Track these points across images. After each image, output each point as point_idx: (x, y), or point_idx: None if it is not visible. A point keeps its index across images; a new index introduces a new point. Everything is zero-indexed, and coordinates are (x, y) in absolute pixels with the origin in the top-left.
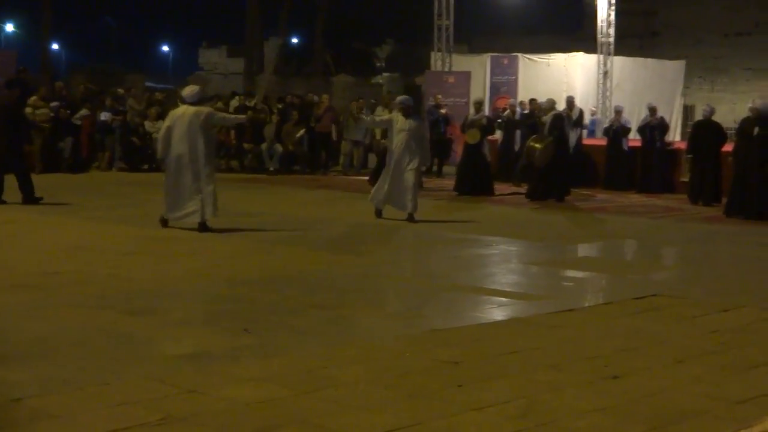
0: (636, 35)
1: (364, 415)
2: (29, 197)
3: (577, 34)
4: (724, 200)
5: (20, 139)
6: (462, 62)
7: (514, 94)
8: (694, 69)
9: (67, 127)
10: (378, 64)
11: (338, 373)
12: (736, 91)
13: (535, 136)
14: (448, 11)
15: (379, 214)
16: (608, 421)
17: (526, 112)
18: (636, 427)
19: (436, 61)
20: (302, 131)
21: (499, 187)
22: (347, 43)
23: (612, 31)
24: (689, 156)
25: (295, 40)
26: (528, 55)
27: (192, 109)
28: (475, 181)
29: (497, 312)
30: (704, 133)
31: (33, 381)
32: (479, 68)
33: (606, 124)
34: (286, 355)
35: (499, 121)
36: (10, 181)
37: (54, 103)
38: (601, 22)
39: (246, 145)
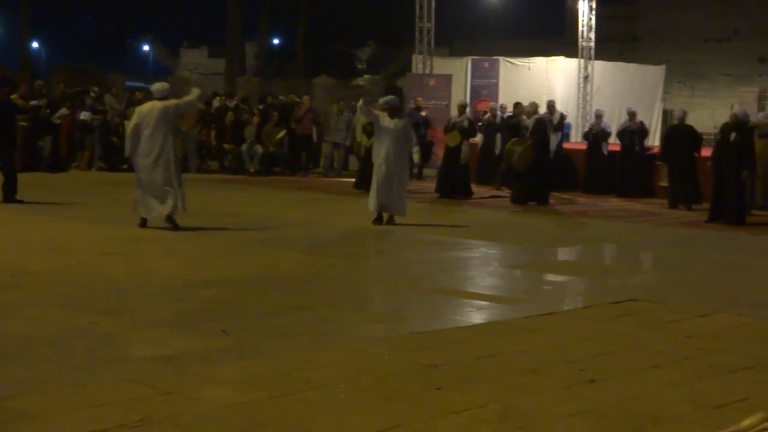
0: (617, 40)
1: (343, 418)
2: (11, 197)
3: (558, 38)
4: (705, 204)
5: (14, 137)
6: (443, 65)
7: (495, 98)
8: (674, 74)
9: (46, 127)
10: (359, 66)
11: (317, 375)
12: (715, 97)
13: (515, 139)
14: (429, 14)
15: (380, 220)
16: (585, 426)
17: (510, 114)
18: None
19: (417, 63)
20: (283, 132)
21: (479, 190)
22: (328, 45)
23: (593, 35)
24: (659, 163)
25: (276, 42)
26: (509, 59)
27: (159, 104)
28: (455, 183)
29: (476, 315)
30: (679, 136)
31: (10, 381)
32: (460, 71)
33: (585, 129)
34: (264, 356)
35: (480, 124)
36: None
37: (33, 102)
38: (582, 26)
39: (226, 146)
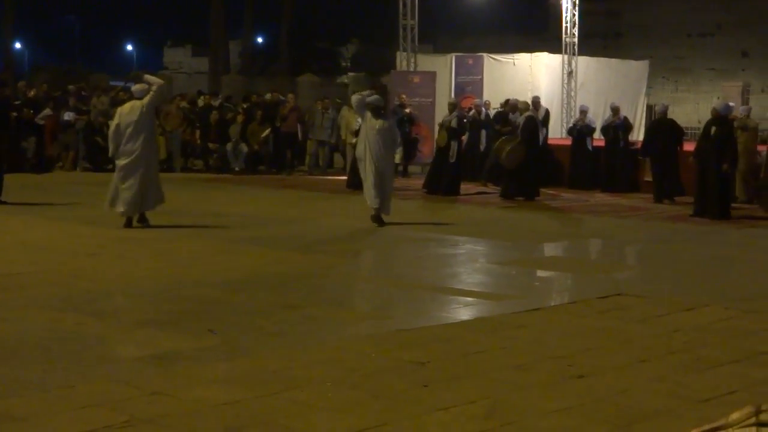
0: (600, 35)
1: (330, 416)
2: None
3: (541, 34)
4: (689, 198)
5: (4, 138)
6: (427, 62)
7: (480, 94)
8: (658, 69)
9: (30, 127)
10: (343, 64)
11: (304, 374)
12: (699, 91)
13: (505, 137)
14: (413, 11)
15: (379, 218)
16: (573, 421)
17: (500, 110)
18: (600, 427)
19: (401, 60)
20: (267, 131)
21: (466, 187)
22: (312, 43)
23: (576, 31)
24: (641, 158)
25: (260, 40)
26: (493, 55)
27: (139, 104)
28: (442, 181)
29: (463, 312)
30: (662, 130)
31: None
32: (444, 68)
33: (570, 124)
34: (251, 356)
35: (465, 121)
36: None
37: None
38: (566, 22)
39: (211, 145)
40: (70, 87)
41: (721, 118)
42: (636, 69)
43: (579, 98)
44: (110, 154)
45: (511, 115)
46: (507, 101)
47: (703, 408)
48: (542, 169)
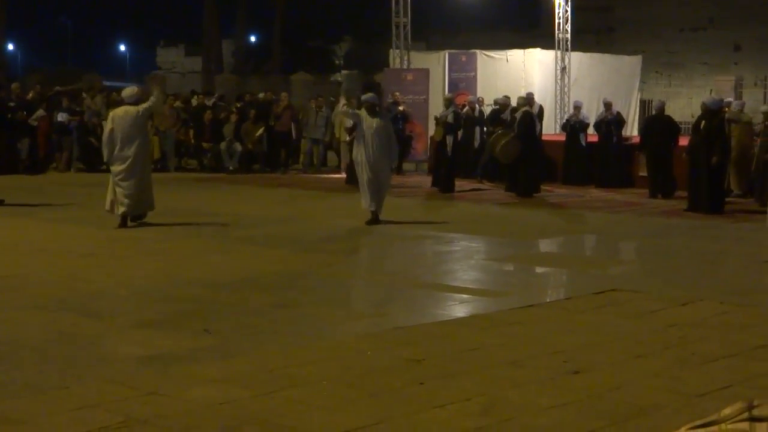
0: (593, 31)
1: (326, 415)
2: None
3: (534, 30)
4: (682, 193)
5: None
6: (420, 59)
7: (473, 91)
8: (651, 64)
9: (23, 129)
10: (336, 62)
11: (300, 372)
12: (692, 86)
13: (500, 131)
14: (406, 9)
15: (376, 220)
16: (569, 417)
17: (496, 107)
18: (596, 422)
19: (395, 58)
20: (261, 130)
21: (460, 183)
22: (305, 42)
23: (569, 27)
24: (639, 152)
25: (253, 39)
26: (486, 52)
27: (132, 109)
28: (439, 176)
29: (459, 309)
30: (657, 126)
31: None
32: (437, 65)
33: (563, 120)
34: (247, 355)
35: (460, 116)
36: None
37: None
38: (558, 18)
39: (205, 145)
40: (57, 88)
41: (711, 113)
42: (629, 64)
43: (572, 94)
44: (105, 159)
45: (502, 114)
46: (505, 97)
47: (699, 403)
48: (540, 165)
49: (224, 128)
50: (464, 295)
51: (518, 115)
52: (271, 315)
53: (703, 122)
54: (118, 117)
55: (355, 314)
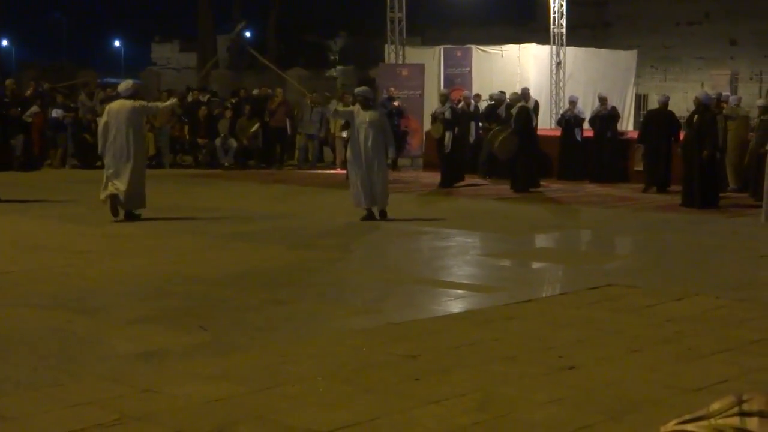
0: (588, 25)
1: (322, 411)
2: None
3: (529, 25)
4: (677, 187)
5: None
6: (415, 54)
7: (468, 86)
8: (646, 58)
9: (18, 125)
10: (332, 57)
11: (295, 368)
12: (688, 80)
13: (498, 127)
14: (401, 4)
15: (371, 216)
16: (564, 412)
17: (491, 103)
18: (592, 417)
19: (390, 53)
20: (256, 126)
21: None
22: (300, 37)
23: (564, 21)
24: (638, 144)
25: (247, 34)
26: (481, 47)
27: (128, 103)
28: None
29: (454, 304)
30: (657, 120)
31: None
32: (432, 60)
33: (559, 115)
34: (242, 351)
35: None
36: None
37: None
38: (554, 12)
39: (200, 141)
40: (46, 85)
41: (703, 107)
42: (624, 59)
43: (568, 89)
44: (99, 152)
45: (497, 110)
46: (501, 93)
47: (695, 397)
48: (538, 160)
49: (219, 124)
50: (459, 291)
51: (515, 110)
52: (266, 311)
53: (696, 117)
54: (113, 110)
55: (350, 310)
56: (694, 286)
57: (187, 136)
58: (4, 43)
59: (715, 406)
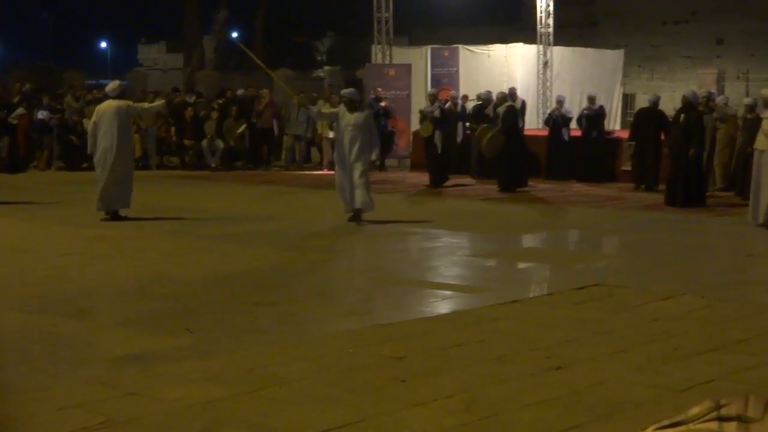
0: (575, 25)
1: (308, 413)
2: None
3: (516, 24)
4: (663, 186)
5: None
6: (402, 55)
7: (456, 86)
8: (634, 58)
9: (3, 127)
10: (319, 58)
11: (281, 370)
12: (675, 79)
13: (485, 125)
14: (388, 4)
15: (356, 217)
16: (552, 413)
17: (479, 102)
18: (579, 418)
19: (377, 53)
20: (243, 127)
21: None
22: (287, 37)
23: (551, 21)
24: (630, 143)
25: (234, 35)
26: (468, 47)
27: (114, 103)
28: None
29: (441, 305)
30: (647, 119)
31: None
32: (419, 60)
33: (546, 115)
34: (228, 354)
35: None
36: None
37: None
38: (541, 12)
39: (187, 142)
40: (27, 86)
41: (690, 105)
42: (611, 58)
43: (555, 88)
44: (89, 152)
45: (485, 110)
46: (488, 93)
47: (682, 397)
48: (525, 159)
49: (206, 125)
50: (446, 292)
51: (501, 110)
52: (252, 313)
53: (683, 116)
54: (101, 111)
55: (337, 311)
56: (681, 286)
57: (174, 138)
58: None
59: (694, 410)
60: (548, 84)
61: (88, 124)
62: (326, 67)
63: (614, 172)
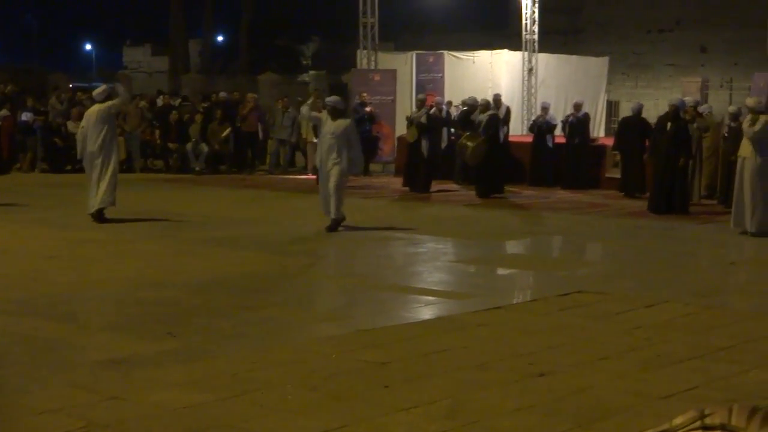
0: (560, 32)
1: (290, 418)
2: None
3: (502, 31)
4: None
5: None
6: (387, 60)
7: (441, 92)
8: (618, 65)
9: None
10: (304, 62)
11: (264, 375)
12: (659, 87)
13: (468, 134)
14: (373, 9)
15: (331, 227)
16: (534, 420)
17: (465, 108)
18: (561, 425)
19: (362, 59)
20: (228, 130)
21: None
22: (272, 41)
23: (536, 28)
24: (614, 152)
25: (219, 39)
26: (453, 53)
27: (98, 107)
28: (415, 178)
29: (424, 311)
30: (631, 127)
31: None
32: (405, 66)
33: (530, 121)
34: (211, 358)
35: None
36: None
37: None
38: (526, 19)
39: (171, 145)
40: (10, 88)
41: (678, 114)
42: (596, 65)
43: (539, 95)
44: (78, 156)
45: (472, 115)
46: (464, 101)
47: (664, 405)
48: (504, 167)
49: (190, 129)
50: (430, 297)
51: (484, 117)
52: (235, 317)
53: (670, 124)
54: (89, 115)
55: (320, 317)
56: (663, 293)
57: (158, 141)
58: None
59: (677, 420)
60: (533, 91)
61: (73, 127)
62: (311, 72)
63: (598, 179)
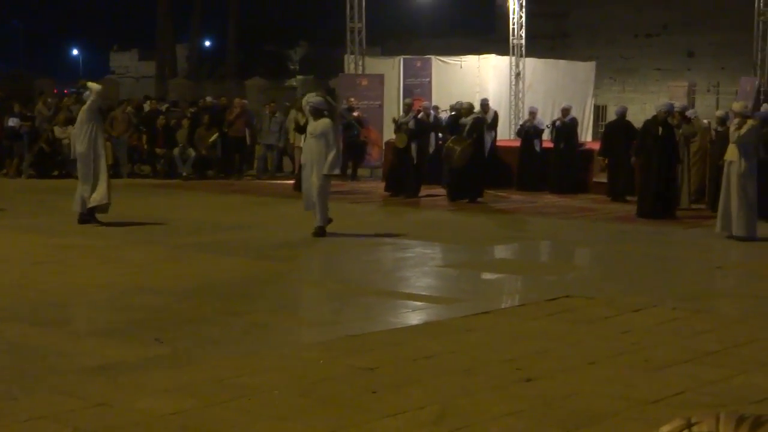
0: (547, 36)
1: (277, 424)
2: None
3: (489, 35)
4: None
5: None
6: (375, 65)
7: (428, 97)
8: (605, 70)
9: None
10: (291, 67)
11: (251, 381)
12: (646, 91)
13: (454, 137)
14: (361, 13)
15: (317, 233)
16: (522, 425)
17: (453, 113)
18: (549, 430)
19: (349, 63)
20: (215, 135)
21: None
22: (260, 46)
23: (524, 32)
24: (600, 157)
25: (207, 44)
26: (441, 58)
27: (82, 107)
28: (403, 183)
29: (412, 316)
30: (616, 131)
31: None
32: (392, 71)
33: (518, 126)
34: (198, 364)
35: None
36: None
37: None
38: (513, 24)
39: (158, 150)
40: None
41: (666, 119)
42: (583, 70)
43: (527, 100)
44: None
45: (461, 120)
46: (452, 106)
47: (653, 409)
48: (487, 172)
49: (178, 134)
50: (417, 303)
51: (468, 120)
52: (223, 323)
53: (661, 129)
54: (78, 117)
55: (307, 322)
56: (651, 298)
57: (145, 146)
58: None
59: (664, 429)
60: (520, 95)
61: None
62: (299, 77)
63: (586, 184)
